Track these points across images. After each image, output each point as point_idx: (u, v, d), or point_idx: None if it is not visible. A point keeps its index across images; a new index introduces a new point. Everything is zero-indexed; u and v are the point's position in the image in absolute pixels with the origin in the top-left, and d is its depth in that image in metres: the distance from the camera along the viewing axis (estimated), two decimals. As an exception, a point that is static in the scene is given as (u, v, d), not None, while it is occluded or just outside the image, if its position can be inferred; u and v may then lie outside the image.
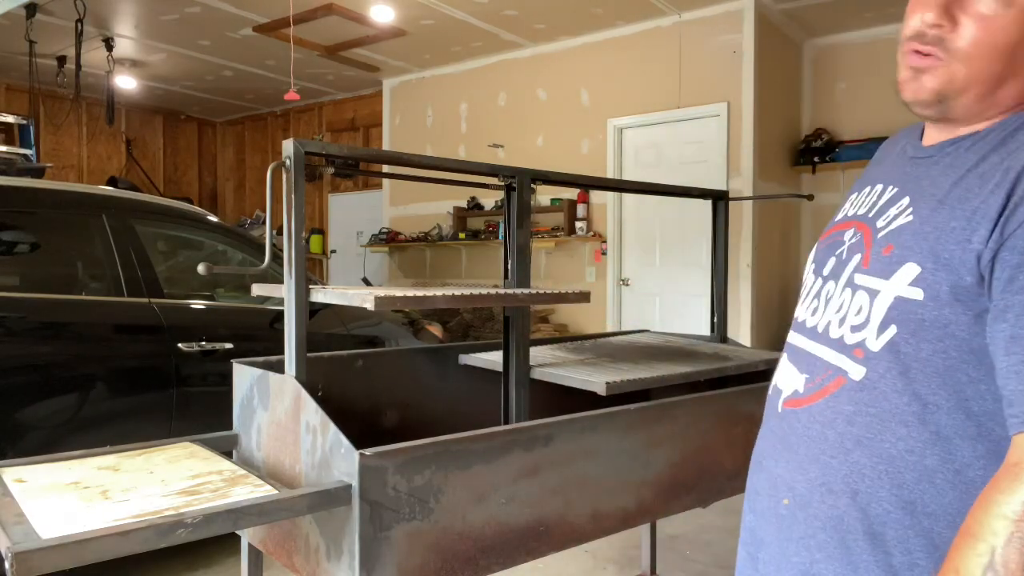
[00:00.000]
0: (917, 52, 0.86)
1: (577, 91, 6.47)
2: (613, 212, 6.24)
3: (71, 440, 2.57)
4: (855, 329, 0.87)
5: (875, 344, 0.84)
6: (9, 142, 5.05)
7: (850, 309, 0.88)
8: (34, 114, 6.44)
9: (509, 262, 1.96)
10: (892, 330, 0.83)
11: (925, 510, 0.81)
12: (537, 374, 2.02)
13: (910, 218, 0.85)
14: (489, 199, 7.03)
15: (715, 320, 2.68)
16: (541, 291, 1.81)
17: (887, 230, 0.87)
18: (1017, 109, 0.84)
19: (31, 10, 5.63)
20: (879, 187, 0.95)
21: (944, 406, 0.80)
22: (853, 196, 1.01)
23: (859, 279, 0.88)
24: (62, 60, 6.84)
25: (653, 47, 5.99)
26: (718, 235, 2.64)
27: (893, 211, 0.88)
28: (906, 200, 0.87)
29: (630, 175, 6.11)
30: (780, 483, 0.94)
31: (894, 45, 0.93)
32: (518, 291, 1.80)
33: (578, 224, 6.35)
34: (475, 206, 7.15)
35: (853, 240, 0.92)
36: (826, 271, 0.95)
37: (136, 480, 1.47)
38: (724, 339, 2.67)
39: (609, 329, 6.19)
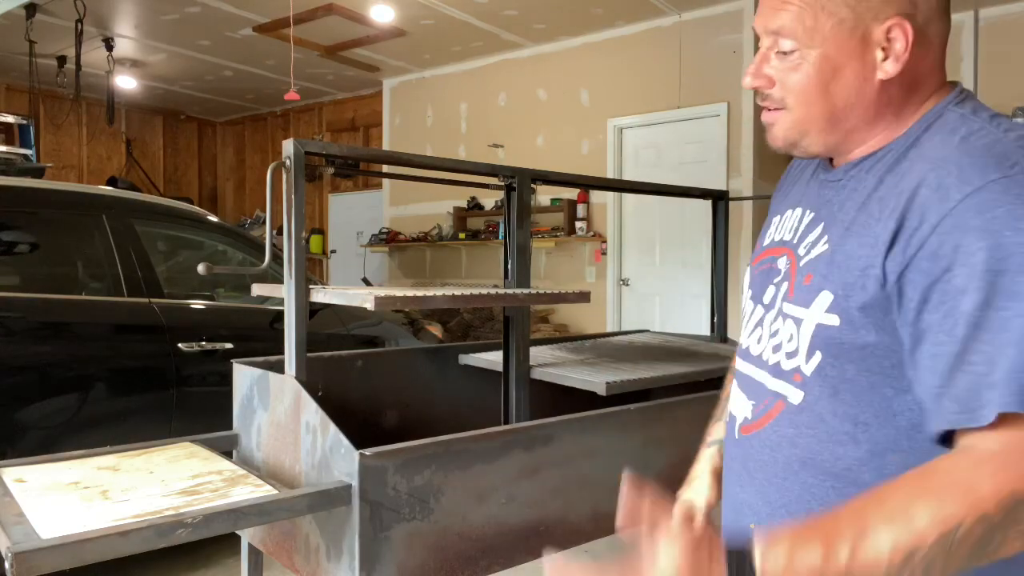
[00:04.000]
0: (765, 110, 0.95)
1: (577, 91, 6.47)
2: (613, 212, 6.24)
3: (71, 440, 2.57)
4: (790, 356, 0.91)
5: (808, 369, 0.88)
6: (9, 142, 5.05)
7: (783, 337, 0.92)
8: (34, 114, 6.43)
9: (509, 262, 1.96)
10: (818, 356, 0.87)
11: None
12: (537, 374, 2.02)
13: (825, 247, 0.89)
14: (489, 199, 7.03)
15: (715, 320, 2.68)
16: (541, 291, 1.81)
17: (807, 259, 0.92)
18: (876, 123, 0.89)
19: (31, 10, 5.62)
20: (798, 211, 0.99)
21: (873, 423, 0.83)
22: (776, 219, 1.05)
23: (787, 308, 0.92)
24: (62, 60, 6.83)
25: (653, 47, 5.99)
26: (718, 235, 2.64)
27: (811, 238, 0.93)
28: (821, 227, 0.92)
29: (630, 175, 6.11)
30: (745, 508, 0.98)
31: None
32: (518, 291, 1.80)
33: (578, 224, 6.35)
34: (475, 206, 7.14)
35: (786, 267, 0.96)
36: (766, 299, 0.98)
37: (136, 480, 1.48)
38: (724, 339, 2.67)
39: (609, 329, 6.19)
